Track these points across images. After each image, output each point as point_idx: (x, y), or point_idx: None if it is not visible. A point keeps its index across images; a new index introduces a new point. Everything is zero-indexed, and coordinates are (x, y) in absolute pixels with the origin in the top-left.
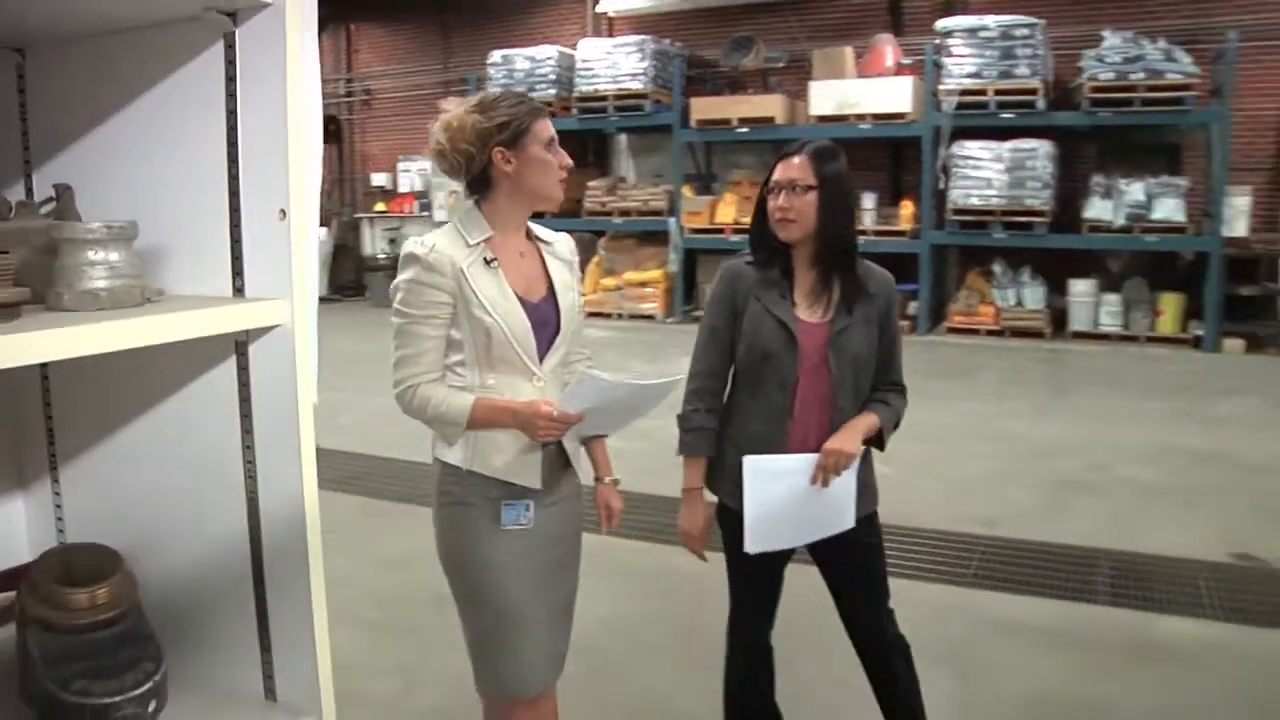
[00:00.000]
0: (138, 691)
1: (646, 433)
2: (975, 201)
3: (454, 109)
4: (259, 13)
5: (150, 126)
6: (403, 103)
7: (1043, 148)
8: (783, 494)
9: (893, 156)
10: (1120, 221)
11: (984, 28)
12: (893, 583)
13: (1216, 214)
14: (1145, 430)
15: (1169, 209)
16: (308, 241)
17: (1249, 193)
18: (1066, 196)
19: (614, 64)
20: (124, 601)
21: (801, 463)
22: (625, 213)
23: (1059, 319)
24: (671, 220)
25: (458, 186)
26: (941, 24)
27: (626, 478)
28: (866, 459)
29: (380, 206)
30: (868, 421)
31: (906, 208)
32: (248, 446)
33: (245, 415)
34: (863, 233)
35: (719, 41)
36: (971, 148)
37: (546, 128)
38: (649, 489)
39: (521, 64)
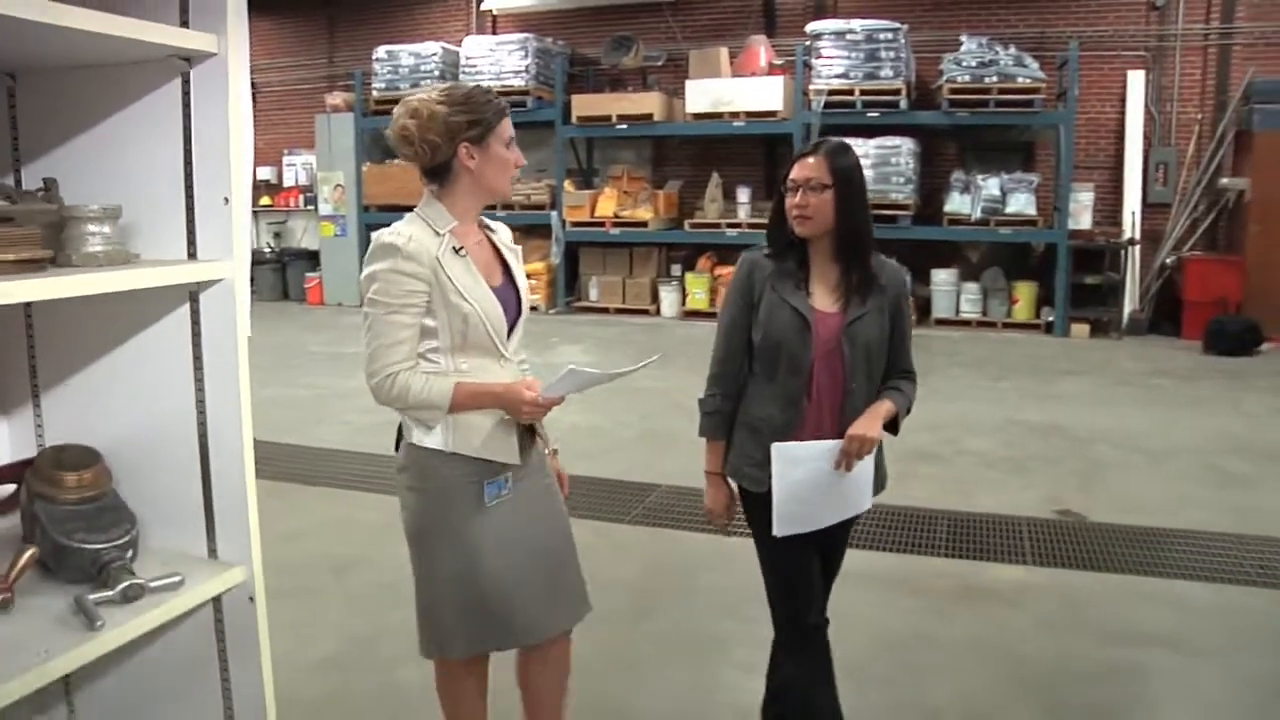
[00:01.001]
0: (120, 541)
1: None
2: None
3: (421, 96)
4: (208, 59)
5: (123, 135)
6: (288, 97)
7: (906, 145)
8: (808, 478)
9: (766, 152)
10: (977, 215)
11: (851, 31)
12: (632, 532)
13: (1063, 208)
14: (992, 407)
15: (1021, 203)
16: (243, 221)
17: (1091, 189)
18: (928, 191)
19: (497, 61)
20: (103, 484)
21: (825, 448)
22: (509, 206)
23: (923, 306)
24: (553, 214)
25: (342, 181)
26: (811, 27)
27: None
28: (881, 446)
29: (265, 200)
30: (885, 407)
31: None
32: (198, 370)
33: (196, 345)
34: (736, 225)
35: (599, 40)
36: None
37: (508, 127)
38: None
39: (406, 60)
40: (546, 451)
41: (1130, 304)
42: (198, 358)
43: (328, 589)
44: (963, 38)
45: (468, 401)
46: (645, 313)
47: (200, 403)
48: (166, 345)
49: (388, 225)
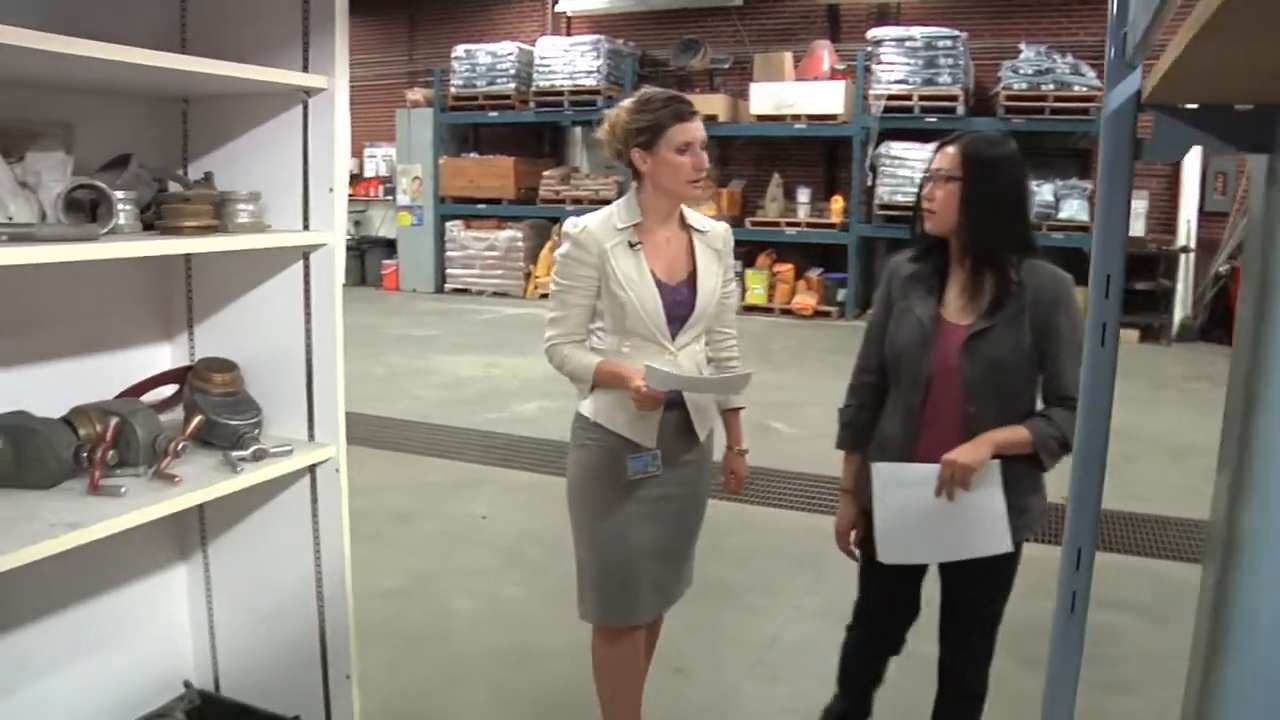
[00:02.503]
0: (250, 422)
1: None
2: (899, 198)
3: (619, 105)
4: (321, 93)
5: (261, 143)
6: (369, 91)
7: None
8: (911, 504)
9: (826, 154)
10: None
11: (911, 38)
12: (776, 513)
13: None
14: None
15: (1074, 209)
16: (341, 204)
17: (1146, 197)
18: None
19: (570, 61)
20: (239, 384)
21: (929, 472)
22: (578, 200)
23: None
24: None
25: (420, 174)
26: (873, 33)
27: None
28: (1024, 481)
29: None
30: (1010, 435)
31: (837, 202)
32: (306, 307)
33: (306, 290)
34: (795, 224)
35: (669, 42)
36: (897, 148)
37: (683, 132)
38: None
39: (483, 58)
40: (736, 449)
41: (1182, 311)
42: (307, 299)
43: (393, 534)
44: (1021, 45)
45: (605, 380)
46: None
47: (308, 331)
48: (285, 289)
49: (462, 216)
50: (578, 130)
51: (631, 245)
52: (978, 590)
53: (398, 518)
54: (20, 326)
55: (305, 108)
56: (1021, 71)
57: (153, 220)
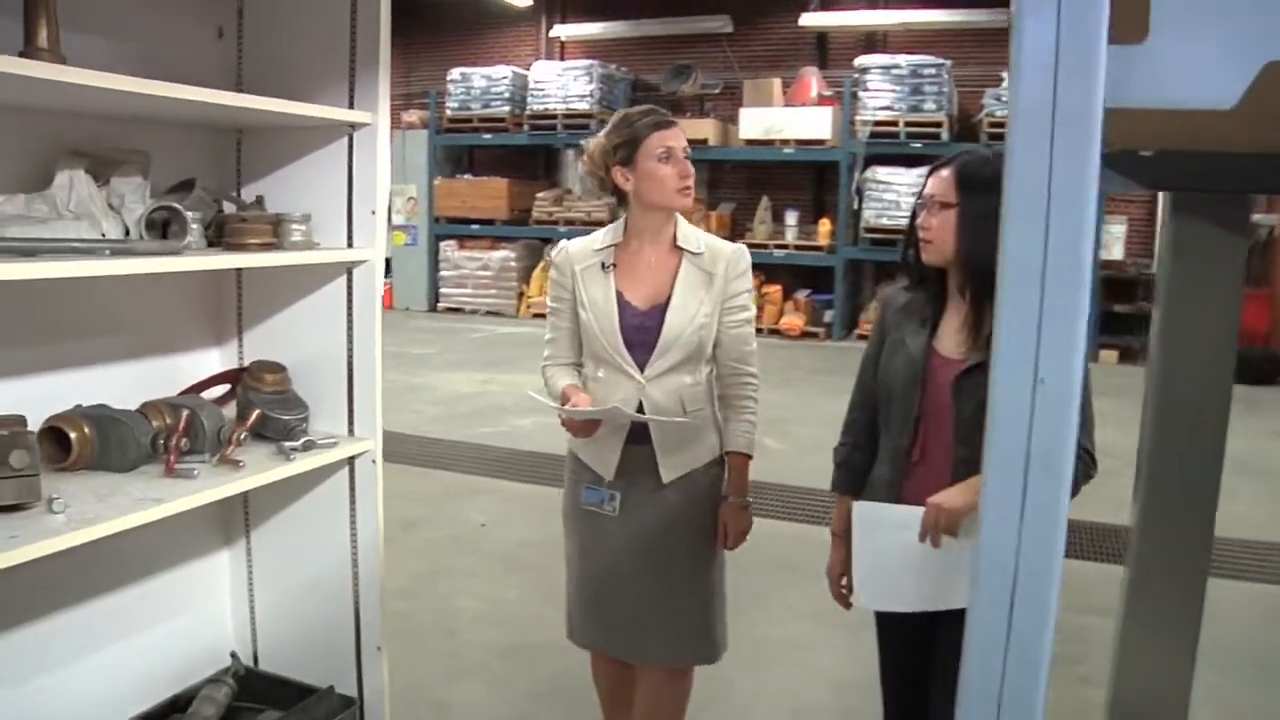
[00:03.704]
0: (300, 417)
1: None
2: (885, 221)
3: (599, 133)
4: (365, 127)
5: (310, 170)
6: None
7: None
8: (892, 547)
9: (814, 178)
10: None
11: (897, 65)
12: (769, 524)
13: (1097, 239)
14: None
15: None
16: (382, 225)
17: (1124, 221)
18: None
19: (564, 85)
20: (287, 384)
21: (913, 516)
22: (570, 222)
23: None
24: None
25: (415, 194)
26: (860, 61)
27: None
28: None
29: None
30: None
31: (825, 225)
32: (349, 317)
33: (349, 302)
34: (783, 247)
35: (661, 68)
36: (883, 173)
37: (660, 140)
38: None
39: (479, 82)
40: (732, 499)
41: None
42: (349, 310)
43: (398, 540)
44: (1003, 74)
45: (564, 399)
46: None
47: (349, 338)
48: (330, 300)
49: (456, 236)
50: (571, 153)
51: (604, 267)
52: (949, 652)
53: (402, 525)
54: (99, 331)
55: (350, 140)
56: (1004, 99)
57: (213, 238)
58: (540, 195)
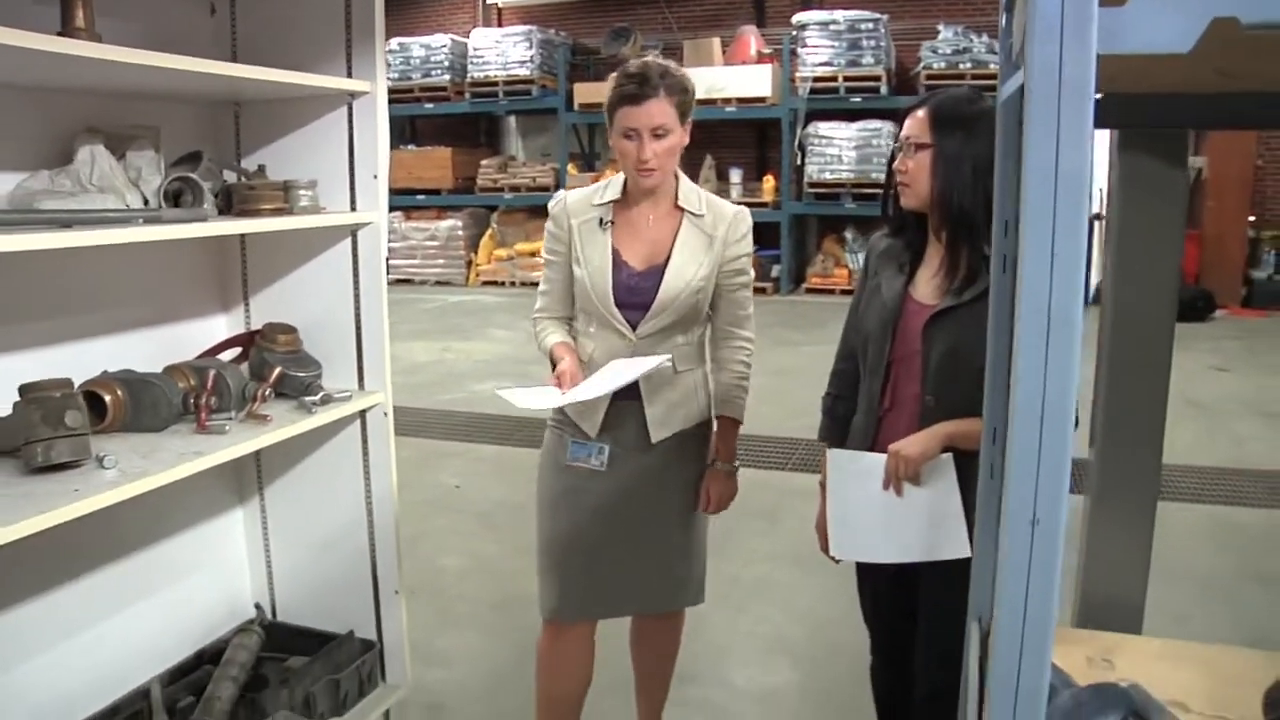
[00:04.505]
0: (314, 374)
1: None
2: (828, 176)
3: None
4: (364, 95)
5: (312, 138)
6: None
7: (886, 128)
8: (860, 496)
9: (757, 136)
10: None
11: (834, 21)
12: (745, 474)
13: None
14: None
15: None
16: (383, 188)
17: None
18: None
19: (503, 52)
20: (299, 344)
21: (878, 464)
22: (515, 188)
23: None
24: (559, 192)
25: None
26: (798, 18)
27: None
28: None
29: None
30: (965, 427)
31: (769, 181)
32: (355, 278)
33: (354, 263)
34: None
35: (599, 31)
36: (824, 128)
37: (627, 116)
38: None
39: (418, 51)
40: (718, 465)
41: (1097, 275)
42: (355, 271)
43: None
44: (940, 26)
45: (555, 358)
46: None
47: (356, 297)
48: (336, 263)
49: (402, 208)
50: (512, 119)
51: (602, 224)
52: (950, 594)
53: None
54: (114, 302)
55: (350, 108)
56: (940, 51)
57: (222, 206)
58: (485, 163)
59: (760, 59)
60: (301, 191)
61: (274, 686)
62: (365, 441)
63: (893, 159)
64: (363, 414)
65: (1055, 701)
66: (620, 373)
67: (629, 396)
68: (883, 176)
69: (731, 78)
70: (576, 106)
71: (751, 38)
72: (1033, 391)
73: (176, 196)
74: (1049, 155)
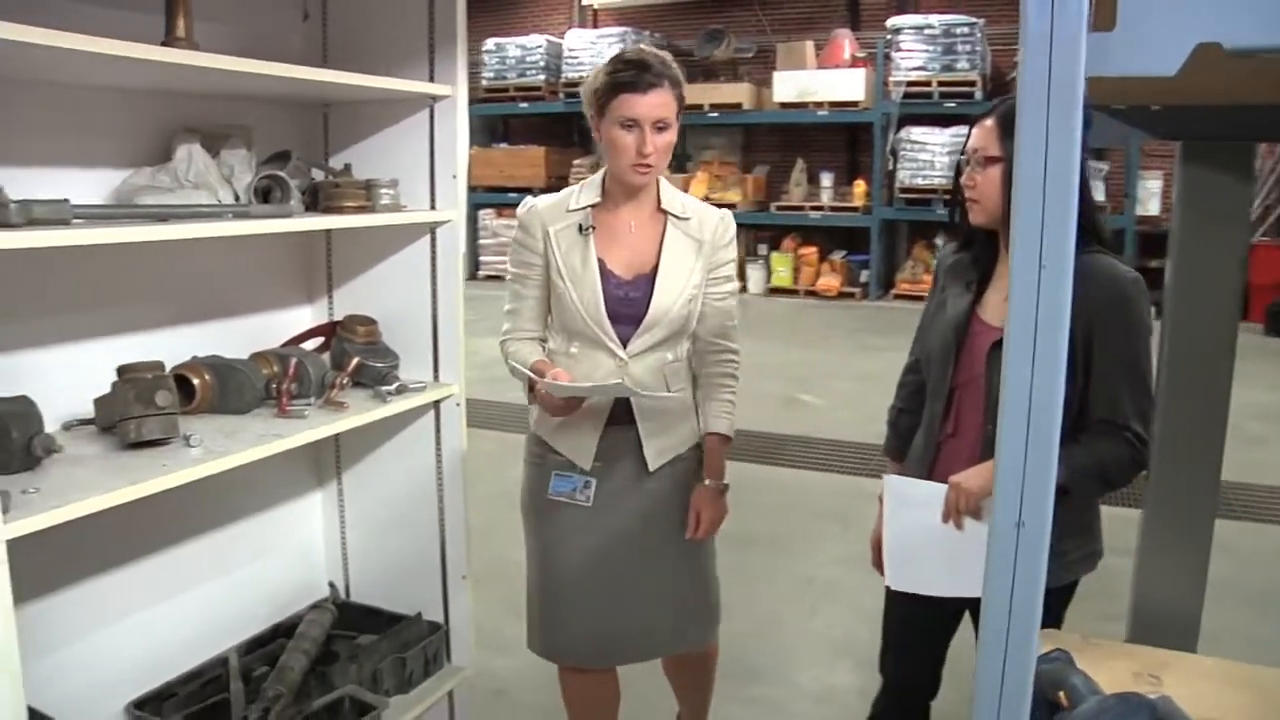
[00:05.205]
0: (392, 364)
1: None
2: (920, 181)
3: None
4: (445, 99)
5: (395, 139)
6: None
7: None
8: (918, 527)
9: (848, 140)
10: None
11: (929, 25)
12: (806, 475)
13: (1132, 195)
14: None
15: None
16: (462, 188)
17: (1160, 177)
18: None
19: (598, 53)
20: (378, 335)
21: (938, 494)
22: None
23: None
24: None
25: None
26: (892, 21)
27: None
28: (1056, 519)
29: None
30: None
31: (860, 186)
32: (433, 272)
33: (432, 259)
34: (819, 208)
35: (693, 33)
36: (917, 133)
37: (626, 105)
38: None
39: (513, 51)
40: (708, 483)
41: None
42: (433, 266)
43: None
44: None
45: (539, 373)
46: None
47: (433, 292)
48: (415, 259)
49: (494, 205)
50: None
51: (582, 230)
52: None
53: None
54: (207, 291)
55: (432, 111)
56: None
57: (309, 203)
58: (577, 162)
59: (854, 63)
60: (383, 190)
61: (343, 661)
62: (439, 431)
63: (959, 172)
64: (436, 404)
65: (1079, 708)
66: (625, 388)
67: (622, 422)
68: None
69: (824, 81)
70: None
71: (845, 41)
72: (1019, 395)
73: (266, 193)
74: (1038, 168)
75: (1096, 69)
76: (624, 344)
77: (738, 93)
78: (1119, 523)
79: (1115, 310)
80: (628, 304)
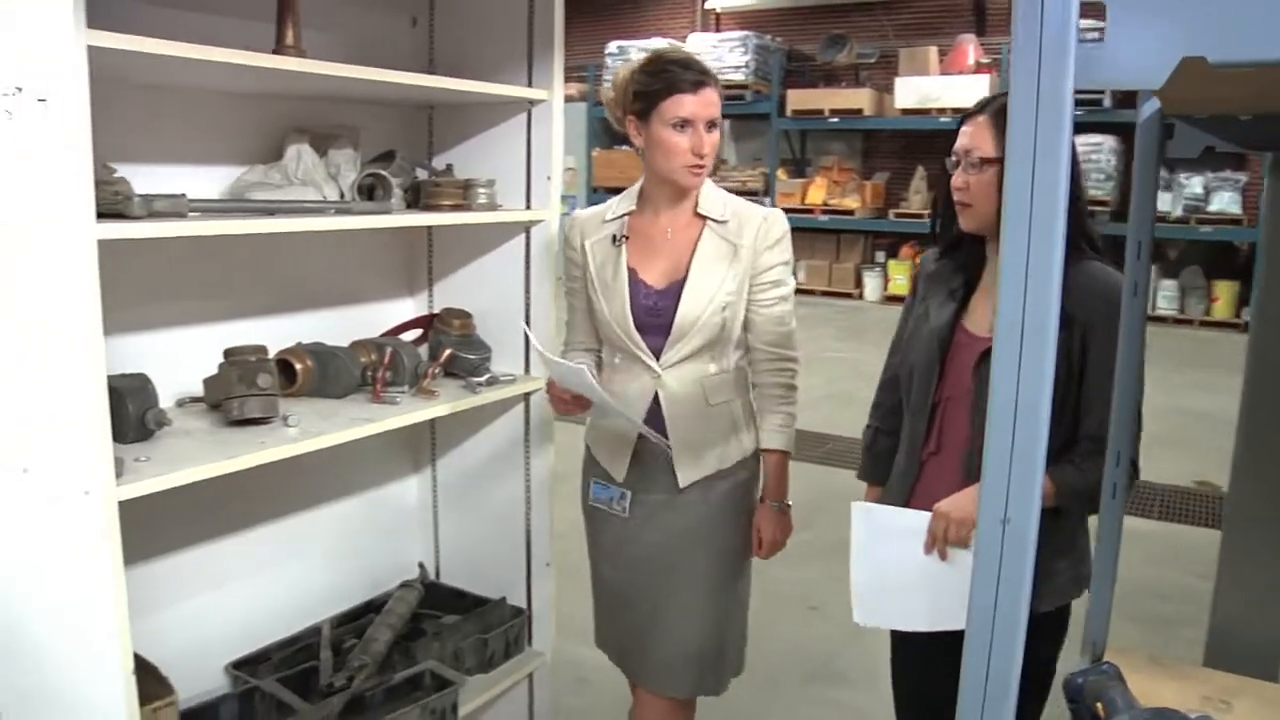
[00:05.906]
0: (484, 356)
1: None
2: None
3: (633, 61)
4: (543, 103)
5: (494, 141)
6: None
7: (1108, 143)
8: (894, 557)
9: None
10: (1177, 213)
11: None
12: (807, 469)
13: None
14: (1164, 395)
15: (1225, 202)
16: (556, 189)
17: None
18: (1129, 188)
19: (719, 57)
20: (472, 329)
21: (919, 522)
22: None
23: None
24: (767, 200)
25: (574, 165)
26: None
27: None
28: (1046, 539)
29: None
30: None
31: None
32: (526, 271)
33: (527, 258)
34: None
35: (815, 38)
36: None
37: (678, 105)
38: None
39: (636, 55)
40: (767, 503)
41: None
42: (527, 264)
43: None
44: None
45: None
46: (849, 296)
47: (527, 289)
48: (510, 256)
49: None
50: (726, 123)
51: (615, 240)
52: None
53: (552, 475)
54: (315, 282)
55: (529, 114)
56: None
57: (410, 200)
58: None
59: (978, 69)
60: (480, 189)
61: (427, 638)
62: (528, 423)
63: (947, 177)
64: (526, 397)
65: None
66: (617, 409)
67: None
68: (1103, 193)
69: (947, 87)
70: (789, 113)
71: (970, 47)
72: (1007, 394)
73: (369, 191)
74: (1025, 172)
75: (1083, 77)
76: (657, 355)
77: (859, 98)
78: (1206, 543)
79: (1109, 321)
80: (656, 314)
